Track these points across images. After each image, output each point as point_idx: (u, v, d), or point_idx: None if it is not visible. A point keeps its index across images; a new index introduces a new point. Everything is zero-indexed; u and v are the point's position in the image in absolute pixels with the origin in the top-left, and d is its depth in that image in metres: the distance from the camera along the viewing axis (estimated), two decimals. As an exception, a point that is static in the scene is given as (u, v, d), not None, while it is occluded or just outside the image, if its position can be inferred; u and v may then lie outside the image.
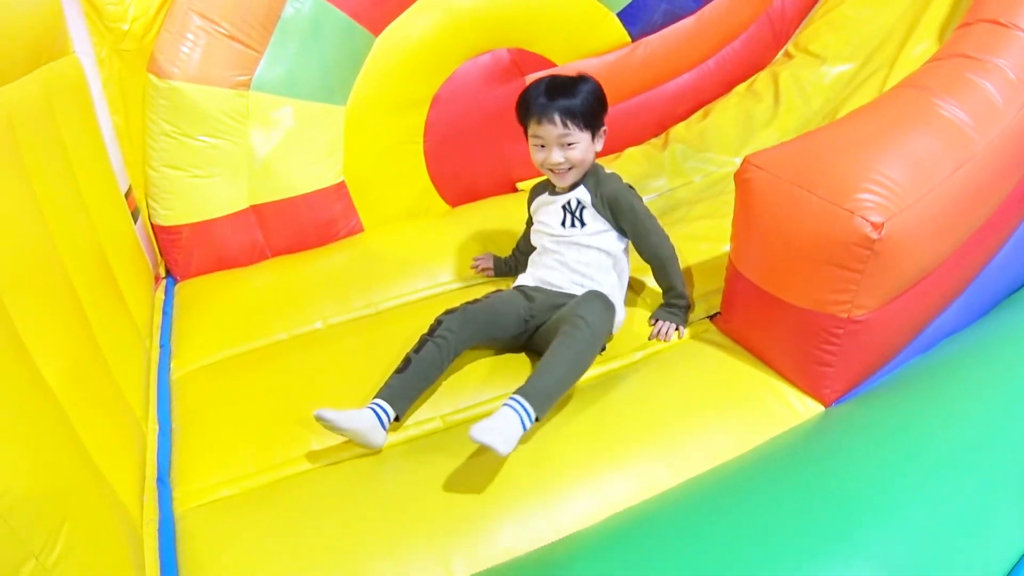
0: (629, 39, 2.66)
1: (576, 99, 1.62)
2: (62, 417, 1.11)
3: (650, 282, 1.83)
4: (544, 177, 1.78)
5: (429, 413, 1.54)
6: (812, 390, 1.49)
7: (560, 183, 1.72)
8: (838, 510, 1.14)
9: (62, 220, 1.45)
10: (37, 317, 1.15)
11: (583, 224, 1.71)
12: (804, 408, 1.48)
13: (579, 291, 1.68)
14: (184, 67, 2.07)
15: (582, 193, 1.71)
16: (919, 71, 1.76)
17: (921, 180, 1.36)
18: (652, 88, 2.76)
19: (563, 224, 1.73)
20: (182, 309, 2.05)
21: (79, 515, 1.01)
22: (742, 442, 1.40)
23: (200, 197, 2.17)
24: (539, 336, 1.66)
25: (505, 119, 2.49)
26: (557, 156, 1.65)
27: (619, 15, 2.58)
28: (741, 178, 1.51)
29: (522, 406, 1.35)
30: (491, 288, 1.81)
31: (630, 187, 1.72)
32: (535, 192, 1.84)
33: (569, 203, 1.72)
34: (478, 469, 1.36)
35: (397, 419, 1.48)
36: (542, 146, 1.67)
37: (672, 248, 1.71)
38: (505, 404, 1.36)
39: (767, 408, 1.48)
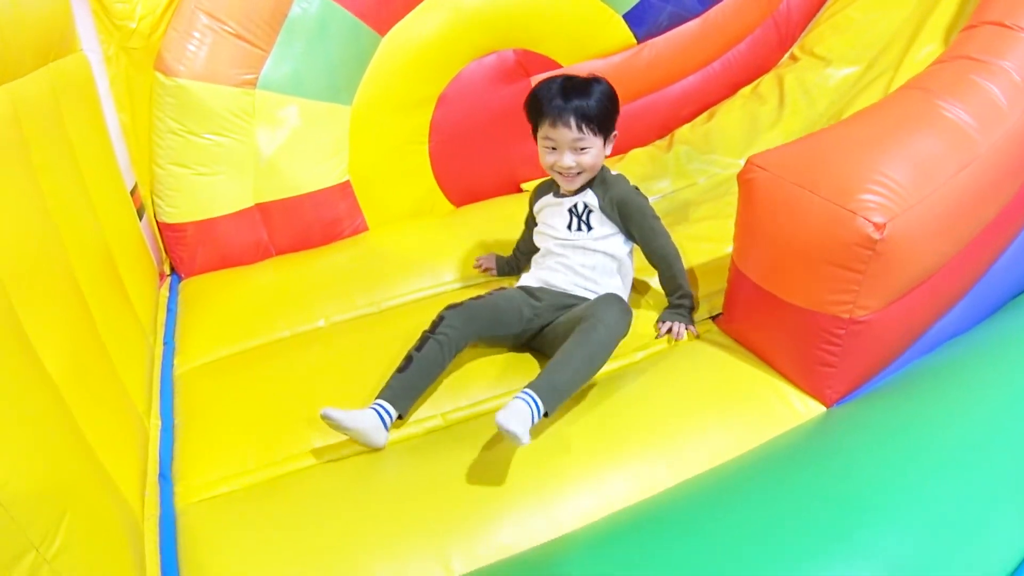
0: (635, 41, 2.66)
1: (592, 102, 1.60)
2: (65, 411, 1.11)
3: (652, 282, 1.83)
4: (548, 177, 1.78)
5: (430, 411, 1.54)
6: (814, 390, 1.49)
7: (568, 187, 1.70)
8: (839, 510, 1.13)
9: (68, 217, 1.46)
10: (41, 312, 1.15)
11: (590, 228, 1.70)
12: (805, 408, 1.48)
13: (583, 293, 1.68)
14: (191, 65, 2.08)
15: (589, 197, 1.70)
16: (923, 73, 1.77)
17: (924, 181, 1.36)
18: (657, 90, 2.77)
19: (569, 227, 1.71)
20: (186, 306, 2.06)
21: (80, 508, 1.01)
22: (743, 442, 1.40)
23: (205, 195, 2.18)
24: (544, 336, 1.66)
25: (510, 120, 2.50)
26: (568, 160, 1.63)
27: (625, 17, 2.59)
28: (744, 178, 1.51)
29: (533, 400, 1.35)
30: (494, 286, 1.81)
31: (637, 189, 1.72)
32: (539, 192, 1.83)
33: (576, 206, 1.71)
34: (479, 467, 1.36)
35: (400, 417, 1.49)
36: (553, 148, 1.65)
37: (676, 248, 1.71)
38: (517, 397, 1.36)
39: (768, 408, 1.48)
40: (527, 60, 2.53)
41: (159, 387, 1.74)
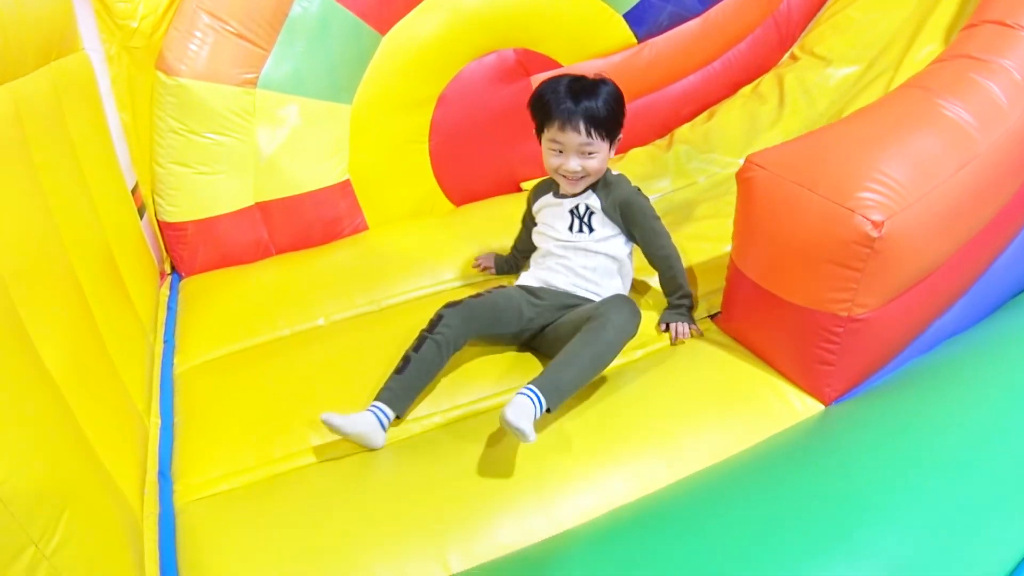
0: (635, 40, 2.66)
1: (602, 107, 1.58)
2: (65, 409, 1.11)
3: (652, 282, 1.83)
4: (547, 177, 1.77)
5: (429, 409, 1.54)
6: (812, 389, 1.49)
7: (571, 189, 1.69)
8: (836, 509, 1.14)
9: (69, 215, 1.46)
10: (42, 310, 1.16)
11: (591, 230, 1.69)
12: (804, 407, 1.48)
13: (584, 295, 1.68)
14: (192, 64, 2.09)
15: (591, 198, 1.69)
16: (923, 71, 1.77)
17: (923, 179, 1.36)
18: (658, 89, 2.77)
19: (570, 229, 1.70)
20: (186, 305, 2.07)
21: (79, 505, 1.01)
22: (742, 440, 1.40)
23: (206, 194, 2.19)
24: (544, 335, 1.65)
25: (510, 119, 2.52)
26: (574, 164, 1.62)
27: (625, 16, 2.59)
28: (743, 177, 1.51)
29: (536, 396, 1.36)
30: (493, 284, 1.80)
31: (638, 190, 1.71)
32: (538, 192, 1.82)
33: (577, 208, 1.70)
34: (478, 465, 1.37)
35: (398, 418, 1.49)
36: (560, 151, 1.63)
37: (677, 248, 1.71)
38: (520, 392, 1.36)
39: (767, 406, 1.48)
40: (527, 60, 2.53)
41: (159, 385, 1.75)
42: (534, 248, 1.83)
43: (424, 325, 1.56)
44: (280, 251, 2.32)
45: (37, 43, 1.47)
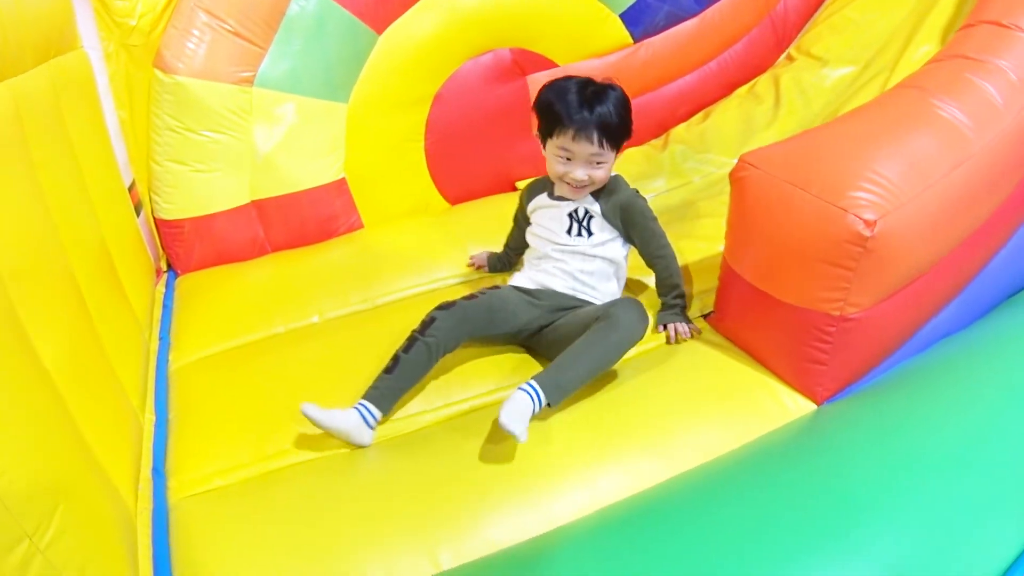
0: (631, 40, 2.67)
1: (615, 116, 1.57)
2: (60, 404, 1.12)
3: (648, 281, 1.83)
4: (542, 176, 1.76)
5: (422, 406, 1.54)
6: (804, 388, 1.49)
7: (573, 196, 1.68)
8: (827, 508, 1.14)
9: (66, 212, 1.46)
10: (38, 306, 1.16)
11: (590, 234, 1.68)
12: (796, 406, 1.48)
13: (583, 297, 1.68)
14: (189, 63, 2.09)
15: (590, 202, 1.67)
16: (918, 72, 1.77)
17: (916, 179, 1.37)
18: (653, 89, 2.77)
19: (569, 232, 1.69)
20: (182, 302, 2.07)
21: (74, 500, 1.02)
22: (733, 439, 1.40)
23: (202, 192, 2.19)
24: (543, 336, 1.65)
25: (506, 118, 2.52)
26: (581, 174, 1.60)
27: (621, 16, 2.59)
28: (736, 176, 1.51)
29: (536, 392, 1.37)
30: (487, 283, 1.80)
31: (637, 192, 1.71)
32: (532, 191, 1.80)
33: (576, 212, 1.68)
34: (470, 463, 1.37)
35: (385, 416, 1.49)
36: (568, 159, 1.61)
37: (672, 248, 1.71)
38: (521, 388, 1.37)
39: (759, 405, 1.48)
40: (523, 59, 2.54)
41: (154, 382, 1.75)
42: (526, 245, 1.82)
43: (417, 324, 1.55)
44: (275, 249, 2.32)
45: (36, 40, 1.47)
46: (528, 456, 1.37)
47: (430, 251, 2.15)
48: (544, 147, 1.67)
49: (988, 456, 1.22)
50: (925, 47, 2.47)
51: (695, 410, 1.47)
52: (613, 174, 1.72)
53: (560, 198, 1.71)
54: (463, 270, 2.07)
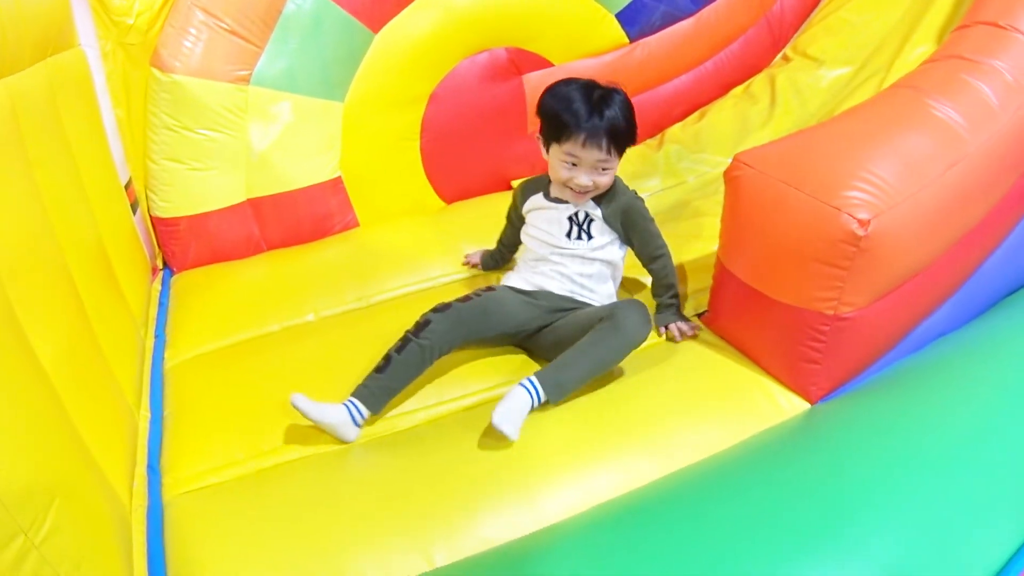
0: (627, 40, 2.67)
1: (623, 122, 1.56)
2: (56, 401, 1.12)
3: (645, 280, 1.84)
4: (537, 176, 1.75)
5: (415, 404, 1.55)
6: (798, 387, 1.50)
7: (575, 200, 1.66)
8: (821, 506, 1.14)
9: (63, 210, 1.46)
10: (35, 303, 1.16)
11: (590, 237, 1.67)
12: (789, 405, 1.48)
13: (580, 299, 1.67)
14: (186, 61, 2.09)
15: (592, 206, 1.66)
16: (914, 72, 1.77)
17: (911, 179, 1.37)
18: (649, 89, 2.77)
19: (568, 235, 1.67)
20: (178, 300, 2.07)
21: (69, 496, 1.02)
22: (727, 437, 1.41)
23: (198, 190, 2.19)
24: (541, 336, 1.64)
25: (502, 118, 2.52)
26: (586, 180, 1.59)
27: (617, 16, 2.59)
28: (730, 176, 1.52)
29: (535, 388, 1.37)
30: (481, 281, 1.80)
31: (635, 193, 1.71)
32: (527, 191, 1.78)
33: (576, 215, 1.67)
34: (464, 461, 1.38)
35: (374, 415, 1.49)
36: (573, 164, 1.60)
37: (668, 248, 1.71)
38: (520, 385, 1.38)
39: (752, 404, 1.48)
40: (519, 58, 2.53)
41: (149, 379, 1.75)
42: (519, 243, 1.82)
43: (412, 323, 1.55)
44: (271, 247, 2.32)
45: (33, 39, 1.47)
46: (522, 454, 1.37)
47: (425, 250, 2.15)
48: (547, 151, 1.65)
49: (982, 455, 1.22)
50: (921, 48, 2.48)
51: (689, 409, 1.47)
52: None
53: (558, 200, 1.70)
54: (458, 269, 2.07)
